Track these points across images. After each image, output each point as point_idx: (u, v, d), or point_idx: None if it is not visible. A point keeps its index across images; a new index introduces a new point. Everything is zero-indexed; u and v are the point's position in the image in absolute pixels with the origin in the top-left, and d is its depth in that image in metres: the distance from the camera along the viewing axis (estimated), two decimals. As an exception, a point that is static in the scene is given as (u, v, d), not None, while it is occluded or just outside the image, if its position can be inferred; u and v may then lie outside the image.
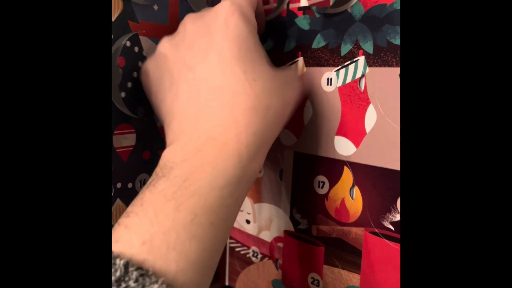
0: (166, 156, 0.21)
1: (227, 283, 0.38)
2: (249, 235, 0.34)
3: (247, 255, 0.35)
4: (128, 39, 0.25)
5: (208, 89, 0.22)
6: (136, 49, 0.26)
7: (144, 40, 0.26)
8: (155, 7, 0.27)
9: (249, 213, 0.34)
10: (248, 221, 0.34)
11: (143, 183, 0.29)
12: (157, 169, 0.21)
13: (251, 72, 0.22)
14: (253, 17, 0.24)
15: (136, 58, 0.26)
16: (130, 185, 0.28)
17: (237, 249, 0.36)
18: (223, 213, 0.20)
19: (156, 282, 0.16)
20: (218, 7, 0.23)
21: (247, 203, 0.34)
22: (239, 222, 0.35)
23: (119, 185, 0.27)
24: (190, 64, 0.23)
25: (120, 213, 0.27)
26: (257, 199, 0.33)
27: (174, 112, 0.23)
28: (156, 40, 0.27)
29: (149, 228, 0.18)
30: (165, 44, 0.24)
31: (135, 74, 0.26)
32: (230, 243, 0.37)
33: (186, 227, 0.19)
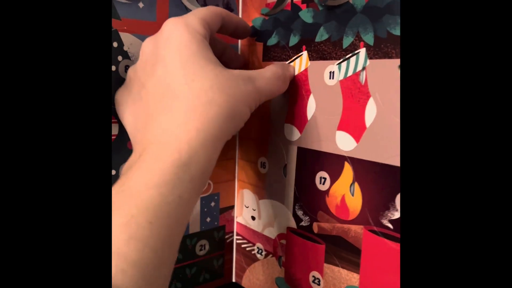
0: (122, 170, 0.22)
1: (233, 280, 0.38)
2: (254, 232, 0.34)
3: (252, 252, 0.35)
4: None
5: (154, 99, 0.23)
6: (115, 44, 0.27)
7: (126, 36, 0.28)
8: (140, 4, 0.28)
9: (254, 210, 0.34)
10: (253, 218, 0.34)
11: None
12: None
13: (191, 74, 0.22)
14: (200, 27, 0.24)
15: (115, 53, 0.27)
16: (113, 172, 0.29)
17: (243, 246, 0.36)
18: (163, 211, 0.20)
19: None
20: (164, 24, 0.24)
21: (252, 199, 0.34)
22: (245, 219, 0.35)
23: (113, 172, 0.28)
24: (143, 82, 0.24)
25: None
26: (262, 195, 0.33)
27: (131, 128, 0.25)
28: (142, 36, 0.28)
29: None
30: (129, 69, 0.26)
31: (113, 67, 0.28)
32: (237, 239, 0.36)
33: (122, 228, 0.18)
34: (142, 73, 0.24)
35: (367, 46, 0.24)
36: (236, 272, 0.37)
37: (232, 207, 0.37)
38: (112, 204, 0.19)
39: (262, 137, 0.32)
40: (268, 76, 0.26)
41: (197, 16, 0.24)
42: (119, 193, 0.20)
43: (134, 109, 0.25)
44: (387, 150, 0.23)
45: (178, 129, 0.21)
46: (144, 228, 0.19)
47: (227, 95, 0.23)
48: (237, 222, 0.36)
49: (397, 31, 0.23)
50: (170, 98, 0.22)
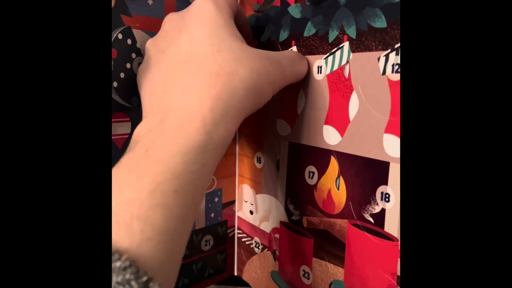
0: (135, 132, 0.22)
1: (235, 273, 0.38)
2: (252, 226, 0.35)
3: (251, 246, 0.35)
4: (120, 32, 0.26)
5: (175, 64, 0.23)
6: (129, 41, 0.27)
7: (137, 33, 0.28)
8: (150, 1, 0.28)
9: (252, 204, 0.34)
10: (251, 212, 0.35)
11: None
12: (129, 146, 0.22)
13: (216, 45, 0.22)
14: (227, 6, 0.24)
15: (129, 50, 0.27)
16: None
17: (243, 240, 0.36)
18: (188, 179, 0.20)
19: (119, 259, 0.16)
20: (194, 2, 0.25)
21: (250, 194, 0.34)
22: (244, 213, 0.36)
23: None
24: (163, 48, 0.24)
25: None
26: (259, 190, 0.33)
27: (146, 91, 0.24)
28: (151, 33, 0.28)
29: (112, 201, 0.18)
30: (148, 41, 0.26)
31: (128, 65, 0.28)
32: (238, 233, 0.37)
33: (149, 195, 0.18)
34: (163, 42, 0.24)
35: (350, 39, 0.24)
36: (237, 266, 0.38)
37: (233, 202, 0.37)
38: (137, 167, 0.19)
39: (258, 133, 0.33)
40: (292, 56, 0.26)
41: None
42: (144, 158, 0.20)
43: (151, 73, 0.24)
44: (369, 144, 0.23)
45: (201, 94, 0.21)
46: (169, 195, 0.19)
47: (250, 69, 0.22)
48: (238, 217, 0.37)
49: (377, 24, 0.22)
50: (193, 64, 0.22)
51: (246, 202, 0.35)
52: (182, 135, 0.20)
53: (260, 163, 0.33)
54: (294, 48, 0.28)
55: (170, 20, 0.25)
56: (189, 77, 0.22)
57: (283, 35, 0.29)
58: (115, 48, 0.27)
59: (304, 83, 0.28)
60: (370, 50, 0.23)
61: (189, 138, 0.20)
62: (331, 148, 0.26)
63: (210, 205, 0.36)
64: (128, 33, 0.27)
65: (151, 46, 0.25)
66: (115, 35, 0.26)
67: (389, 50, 0.22)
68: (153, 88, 0.23)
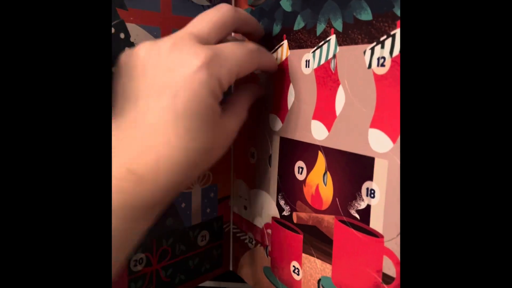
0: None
1: (231, 269, 0.38)
2: (246, 221, 0.35)
3: (245, 241, 0.35)
4: (112, 26, 0.26)
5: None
6: (122, 35, 0.27)
7: (133, 27, 0.28)
8: None
9: (246, 199, 0.34)
10: (245, 207, 0.34)
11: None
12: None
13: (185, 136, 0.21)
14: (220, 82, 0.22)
15: (122, 44, 0.27)
16: None
17: (237, 235, 0.36)
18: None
19: None
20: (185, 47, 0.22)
21: (244, 189, 0.34)
22: (239, 208, 0.36)
23: None
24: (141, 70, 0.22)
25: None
26: (252, 185, 0.33)
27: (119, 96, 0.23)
28: (147, 27, 0.28)
29: None
30: (144, 46, 0.23)
31: None
32: (233, 228, 0.37)
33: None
34: (146, 58, 0.22)
35: (336, 32, 0.24)
36: (232, 261, 0.38)
37: (229, 197, 0.37)
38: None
39: (252, 128, 0.33)
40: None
41: (224, 64, 0.22)
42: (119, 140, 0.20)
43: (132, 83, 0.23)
44: (354, 139, 0.23)
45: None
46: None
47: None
48: (233, 212, 0.37)
49: (362, 16, 0.22)
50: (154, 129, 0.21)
51: (241, 197, 0.35)
52: None
53: (253, 158, 0.33)
54: (285, 43, 0.28)
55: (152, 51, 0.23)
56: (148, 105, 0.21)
57: (276, 29, 0.29)
58: (105, 43, 0.27)
59: (293, 77, 0.27)
60: (356, 43, 0.22)
61: None
62: (319, 143, 0.26)
63: (206, 200, 0.36)
64: (121, 27, 0.27)
65: (146, 55, 0.23)
66: (105, 30, 0.26)
67: (374, 43, 0.21)
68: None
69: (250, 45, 0.25)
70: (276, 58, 0.29)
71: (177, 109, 0.21)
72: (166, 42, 0.22)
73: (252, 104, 0.28)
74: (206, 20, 0.24)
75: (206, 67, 0.21)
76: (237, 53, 0.23)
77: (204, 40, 0.23)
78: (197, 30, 0.23)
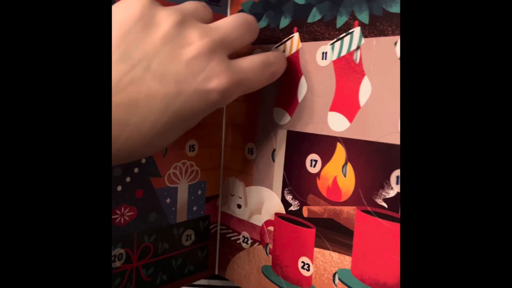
0: None
1: (216, 272, 0.36)
2: (240, 220, 0.33)
3: (238, 241, 0.34)
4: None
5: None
6: None
7: None
8: None
9: (240, 197, 0.33)
10: (239, 206, 0.33)
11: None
12: None
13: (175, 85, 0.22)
14: None
15: None
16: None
17: (227, 236, 0.35)
18: None
19: None
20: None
21: (238, 187, 0.33)
22: (231, 208, 0.34)
23: None
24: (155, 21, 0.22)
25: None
26: (249, 182, 0.32)
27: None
28: None
29: None
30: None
31: None
32: (221, 229, 0.35)
33: None
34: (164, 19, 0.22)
35: (361, 24, 0.24)
36: (219, 264, 0.36)
37: (217, 196, 0.36)
38: None
39: (251, 123, 0.32)
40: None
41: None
42: None
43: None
44: (382, 129, 0.23)
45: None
46: None
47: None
48: (222, 212, 0.35)
49: (393, 9, 0.23)
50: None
51: (233, 195, 0.34)
52: None
53: (252, 154, 0.32)
54: (296, 35, 0.28)
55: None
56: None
57: (284, 21, 0.28)
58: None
59: (306, 70, 0.27)
60: (385, 35, 0.23)
61: None
62: (337, 135, 0.26)
63: (192, 197, 0.34)
64: None
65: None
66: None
67: (405, 35, 0.22)
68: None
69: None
70: (284, 51, 0.29)
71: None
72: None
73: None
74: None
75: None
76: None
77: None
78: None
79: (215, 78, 0.22)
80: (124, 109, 0.20)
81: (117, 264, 0.30)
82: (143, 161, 0.30)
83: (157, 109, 0.21)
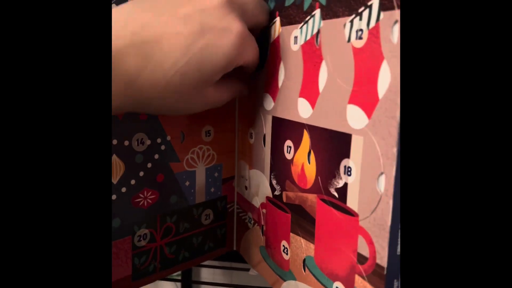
0: None
1: (234, 248, 0.39)
2: (246, 201, 0.35)
3: (246, 221, 0.35)
4: (113, 2, 0.27)
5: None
6: None
7: None
8: None
9: (246, 179, 0.34)
10: (246, 187, 0.35)
11: (140, 142, 0.31)
12: None
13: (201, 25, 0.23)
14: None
15: None
16: (126, 142, 0.30)
17: (240, 215, 0.37)
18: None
19: None
20: None
21: (245, 169, 0.34)
22: (241, 189, 0.36)
23: (114, 141, 0.30)
24: None
25: (116, 168, 0.30)
26: (251, 165, 0.33)
27: None
28: None
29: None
30: None
31: None
32: (237, 208, 0.37)
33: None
34: None
35: (321, 6, 0.23)
36: (236, 241, 0.38)
37: (233, 177, 0.37)
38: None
39: (251, 108, 0.32)
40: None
41: None
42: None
43: None
44: (336, 116, 0.22)
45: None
46: None
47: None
48: (237, 192, 0.37)
49: (341, -13, 0.21)
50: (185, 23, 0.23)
51: (242, 177, 0.35)
52: None
53: (252, 138, 0.33)
54: (277, 20, 0.27)
55: None
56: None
57: (271, 5, 0.28)
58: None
59: (283, 55, 0.27)
60: (337, 17, 0.22)
61: None
62: (304, 122, 0.25)
63: (210, 180, 0.36)
64: (122, 2, 0.28)
65: None
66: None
67: (353, 15, 0.21)
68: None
69: None
70: (271, 36, 0.29)
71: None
72: None
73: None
74: None
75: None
76: None
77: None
78: None
79: (234, 23, 0.24)
80: (150, 45, 0.22)
81: (142, 243, 0.33)
82: (163, 147, 0.33)
83: (179, 47, 0.23)
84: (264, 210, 0.31)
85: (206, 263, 0.39)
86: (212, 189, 0.37)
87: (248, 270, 0.40)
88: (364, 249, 0.21)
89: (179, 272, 0.59)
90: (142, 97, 0.23)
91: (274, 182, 0.29)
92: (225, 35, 0.24)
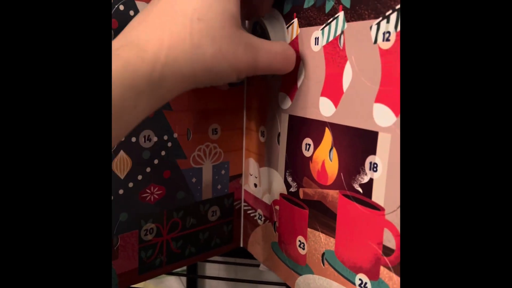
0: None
1: (241, 245, 0.39)
2: (256, 198, 0.35)
3: (255, 218, 0.36)
4: (121, 3, 0.27)
5: (155, 11, 0.23)
6: (132, 13, 0.28)
7: (142, 5, 0.29)
8: None
9: (256, 177, 0.35)
10: (255, 185, 0.35)
11: (147, 138, 0.31)
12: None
13: (199, 12, 0.22)
14: None
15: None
16: (133, 139, 0.31)
17: (248, 212, 0.37)
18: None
19: None
20: None
21: (255, 167, 0.35)
22: (250, 186, 0.36)
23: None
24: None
25: (123, 163, 0.30)
26: (262, 163, 0.34)
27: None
28: None
29: None
30: None
31: None
32: (244, 205, 0.38)
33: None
34: None
35: (345, 9, 0.24)
36: (243, 238, 0.39)
37: (240, 175, 0.38)
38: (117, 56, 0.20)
39: (262, 106, 0.33)
40: (276, 52, 0.26)
41: None
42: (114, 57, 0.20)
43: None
44: (360, 114, 0.23)
45: (161, 45, 0.21)
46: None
47: (219, 51, 0.22)
48: (244, 190, 0.38)
49: (369, -9, 0.22)
50: (170, 15, 0.22)
51: (251, 175, 0.36)
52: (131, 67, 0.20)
53: (263, 136, 0.33)
54: (295, 21, 0.28)
55: None
56: (161, 20, 0.22)
57: (287, 7, 0.29)
58: (116, 19, 0.28)
59: (303, 55, 0.28)
60: (363, 19, 0.23)
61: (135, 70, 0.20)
62: (326, 120, 0.26)
63: (216, 177, 0.37)
64: (130, 4, 0.28)
65: None
66: (116, 6, 0.27)
67: (380, 18, 0.22)
68: (131, 23, 0.23)
69: None
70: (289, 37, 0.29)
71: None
72: None
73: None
74: None
75: None
76: None
77: None
78: None
79: None
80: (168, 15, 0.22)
81: (149, 237, 0.33)
82: (169, 144, 0.33)
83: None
84: (277, 207, 0.32)
85: (211, 258, 0.40)
86: (219, 186, 0.37)
87: (252, 266, 0.41)
88: (390, 242, 0.22)
89: (184, 268, 0.59)
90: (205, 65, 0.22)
91: (289, 179, 0.30)
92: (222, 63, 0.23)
